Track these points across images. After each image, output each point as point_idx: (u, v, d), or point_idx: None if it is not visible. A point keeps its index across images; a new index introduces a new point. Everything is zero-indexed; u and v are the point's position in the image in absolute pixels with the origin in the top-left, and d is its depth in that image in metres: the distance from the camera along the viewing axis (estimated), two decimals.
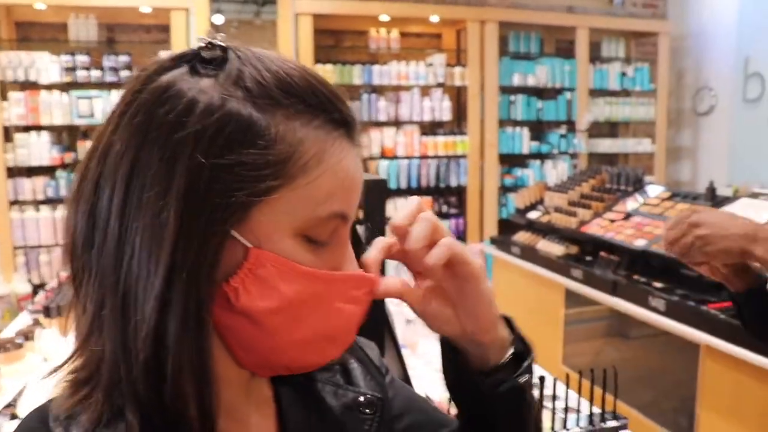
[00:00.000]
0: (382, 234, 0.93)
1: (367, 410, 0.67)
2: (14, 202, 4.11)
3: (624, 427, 1.40)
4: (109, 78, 4.12)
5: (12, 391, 1.75)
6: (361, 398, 0.68)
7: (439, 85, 4.71)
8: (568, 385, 1.38)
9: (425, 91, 4.74)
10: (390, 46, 4.74)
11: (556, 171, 4.97)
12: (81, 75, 4.08)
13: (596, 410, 1.42)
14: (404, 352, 1.93)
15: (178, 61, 0.54)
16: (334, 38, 4.89)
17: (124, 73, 4.11)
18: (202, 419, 0.53)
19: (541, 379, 1.27)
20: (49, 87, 4.05)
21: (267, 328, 0.54)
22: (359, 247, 0.89)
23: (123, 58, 4.15)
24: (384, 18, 4.67)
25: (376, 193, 0.92)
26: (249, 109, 0.52)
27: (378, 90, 4.69)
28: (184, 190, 0.49)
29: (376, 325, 0.99)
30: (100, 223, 0.52)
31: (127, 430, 0.51)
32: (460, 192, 4.86)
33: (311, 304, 0.55)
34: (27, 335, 2.11)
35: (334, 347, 0.58)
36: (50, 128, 4.11)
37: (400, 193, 4.72)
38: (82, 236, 0.53)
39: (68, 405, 0.53)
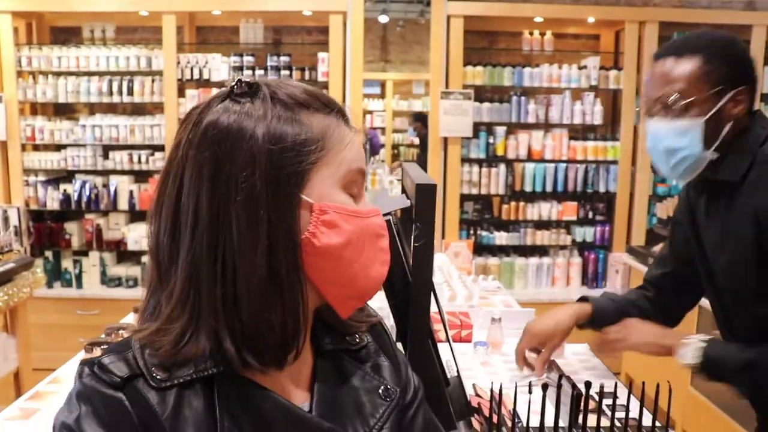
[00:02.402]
0: (431, 235, 1.06)
1: (387, 398, 0.86)
2: None
3: None
4: (272, 76, 4.52)
5: None
6: (383, 387, 0.86)
7: (592, 88, 4.67)
8: (641, 402, 1.41)
9: (577, 94, 4.72)
10: (543, 48, 4.77)
11: None
12: (247, 74, 4.50)
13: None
14: (485, 349, 2.04)
15: (221, 99, 0.77)
16: (488, 40, 5.00)
17: (285, 73, 4.50)
18: (293, 340, 0.76)
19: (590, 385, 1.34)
20: (219, 85, 4.52)
21: (344, 259, 0.77)
22: (395, 240, 1.03)
23: (284, 59, 4.54)
24: (538, 19, 4.71)
25: (426, 196, 1.03)
26: (288, 113, 0.76)
27: (528, 92, 4.74)
28: (265, 167, 0.72)
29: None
30: (186, 218, 0.73)
31: (232, 360, 0.73)
32: (608, 198, 4.79)
33: (364, 235, 0.79)
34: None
35: (383, 267, 0.82)
36: None
37: (545, 196, 4.75)
38: (167, 233, 0.75)
39: (169, 354, 0.73)
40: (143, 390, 0.71)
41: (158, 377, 0.71)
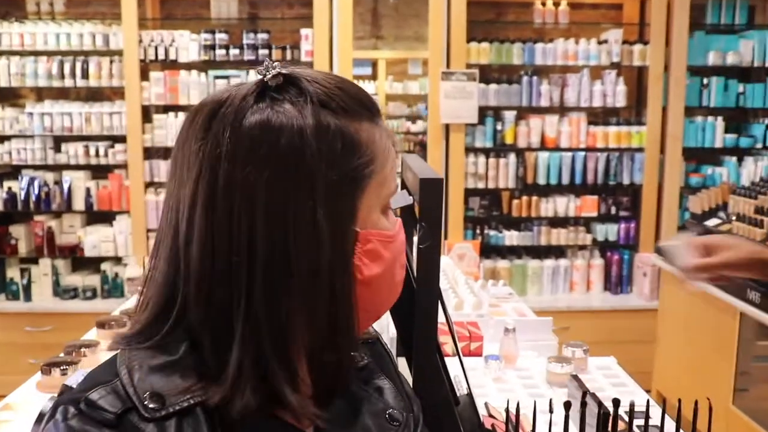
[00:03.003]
0: (437, 236, 1.06)
1: (392, 422, 0.88)
2: (150, 184, 4.63)
3: None
4: (248, 56, 4.52)
5: None
6: (389, 411, 0.89)
7: (614, 65, 4.69)
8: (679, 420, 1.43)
9: (596, 72, 4.74)
10: (558, 20, 4.78)
11: (758, 170, 4.77)
12: (219, 53, 4.51)
13: None
14: (498, 363, 2.05)
15: (254, 95, 0.73)
16: (494, 12, 5.02)
17: (263, 52, 4.50)
18: (351, 350, 0.81)
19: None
20: (188, 66, 4.53)
21: (379, 287, 0.80)
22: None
23: (262, 36, 4.54)
24: None
25: (432, 192, 1.03)
26: (339, 123, 0.74)
27: (541, 71, 4.76)
28: (325, 198, 0.71)
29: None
30: (240, 254, 0.71)
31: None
32: (634, 191, 4.82)
33: (396, 257, 0.81)
34: (131, 315, 2.53)
35: (401, 283, 0.86)
36: (188, 109, 4.57)
37: (561, 190, 4.77)
38: (220, 269, 0.71)
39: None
40: (139, 425, 0.70)
41: (151, 407, 0.70)
